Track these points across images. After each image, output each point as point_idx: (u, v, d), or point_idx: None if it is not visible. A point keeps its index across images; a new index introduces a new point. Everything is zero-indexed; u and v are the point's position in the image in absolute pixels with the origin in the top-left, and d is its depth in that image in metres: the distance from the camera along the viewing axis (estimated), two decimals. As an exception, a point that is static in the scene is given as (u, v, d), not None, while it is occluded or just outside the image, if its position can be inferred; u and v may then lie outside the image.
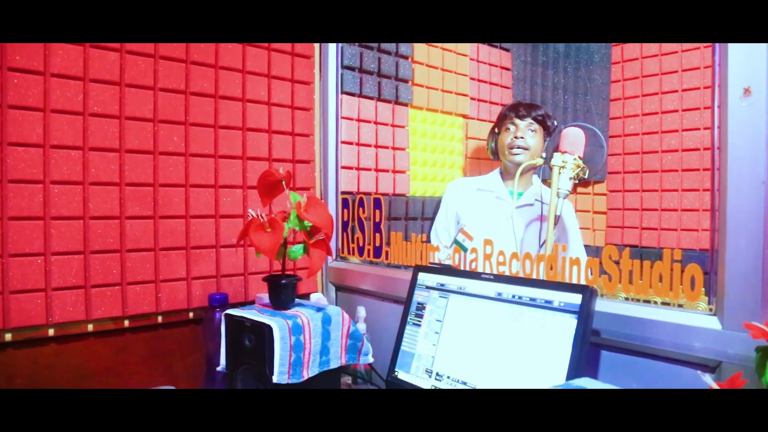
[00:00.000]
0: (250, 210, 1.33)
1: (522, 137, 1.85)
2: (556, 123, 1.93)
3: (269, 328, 1.16)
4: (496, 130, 1.97)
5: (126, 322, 1.42)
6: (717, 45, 1.02)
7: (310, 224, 1.29)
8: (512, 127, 1.89)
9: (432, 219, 2.06)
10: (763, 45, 0.93)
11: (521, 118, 1.87)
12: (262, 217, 1.25)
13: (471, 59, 2.36)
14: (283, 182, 1.31)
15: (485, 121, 2.36)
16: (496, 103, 2.42)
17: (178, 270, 1.50)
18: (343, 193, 1.84)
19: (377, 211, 1.65)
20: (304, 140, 1.78)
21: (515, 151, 1.85)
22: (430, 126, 2.18)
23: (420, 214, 2.07)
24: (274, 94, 1.69)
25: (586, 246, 1.99)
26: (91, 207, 1.36)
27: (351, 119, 1.89)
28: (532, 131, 1.87)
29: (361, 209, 1.71)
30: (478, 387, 1.13)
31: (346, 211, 1.78)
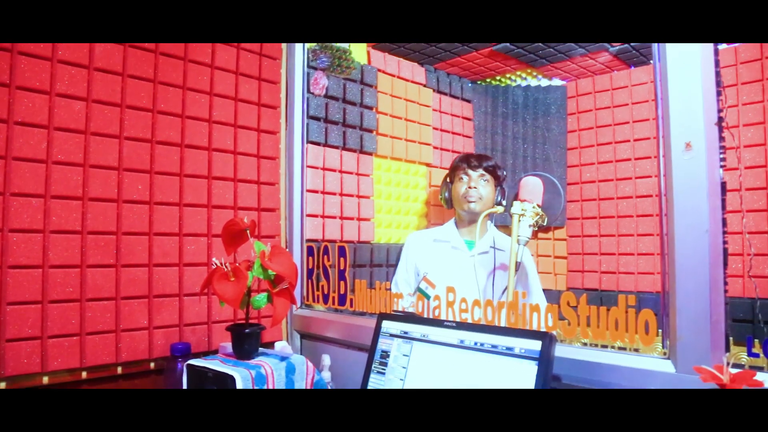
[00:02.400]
0: (214, 259, 1.32)
1: (475, 187, 1.88)
2: (505, 173, 1.98)
3: (232, 379, 1.15)
4: (449, 180, 2.00)
5: (84, 374, 1.38)
6: (659, 98, 1.08)
7: (274, 273, 1.29)
8: (465, 177, 1.92)
9: (396, 266, 2.07)
10: (700, 104, 0.99)
11: (473, 168, 1.91)
12: (226, 266, 1.25)
13: (434, 110, 2.42)
14: (248, 231, 1.32)
15: (448, 169, 2.37)
16: (459, 152, 2.47)
17: (139, 319, 1.47)
18: (308, 240, 1.84)
19: (342, 259, 1.66)
20: (269, 189, 1.79)
21: (471, 199, 1.88)
22: (394, 174, 2.21)
23: (385, 261, 2.08)
24: (240, 143, 1.70)
25: (547, 290, 1.99)
26: (51, 255, 1.33)
27: (316, 168, 1.90)
28: (484, 181, 1.90)
29: (326, 257, 1.71)
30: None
31: (311, 258, 1.78)
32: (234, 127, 1.70)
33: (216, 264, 1.26)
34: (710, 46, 1.02)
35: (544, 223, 1.60)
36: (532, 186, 1.61)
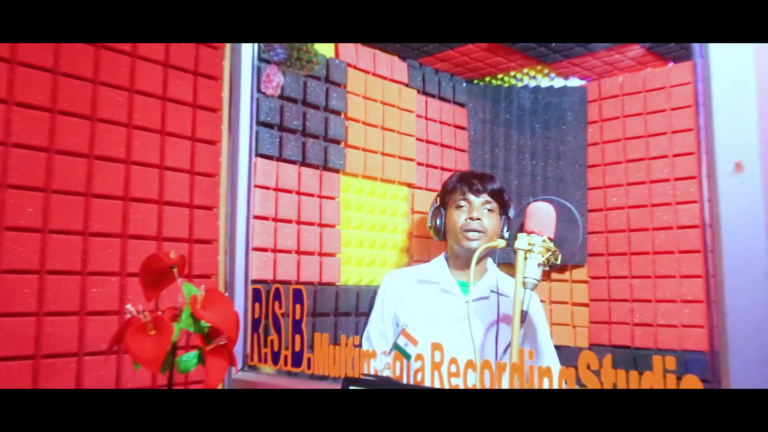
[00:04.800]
0: (128, 305, 1.29)
1: (479, 218, 1.86)
2: (511, 198, 1.98)
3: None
4: (441, 205, 2.00)
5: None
6: (700, 105, 1.09)
7: (208, 325, 1.28)
8: (465, 205, 1.89)
9: (368, 315, 2.06)
10: (754, 114, 1.00)
11: (476, 193, 1.89)
12: (144, 316, 1.23)
13: (418, 116, 2.42)
14: (175, 269, 1.31)
15: (435, 191, 2.30)
16: (449, 169, 2.46)
17: (21, 387, 1.43)
18: (254, 282, 1.83)
19: (298, 306, 1.65)
20: (205, 214, 1.77)
21: (471, 235, 1.87)
22: (367, 197, 2.20)
23: (353, 309, 2.07)
24: (168, 155, 1.70)
25: (562, 348, 2.00)
26: None
27: (267, 188, 1.89)
28: (488, 210, 1.88)
29: (277, 303, 1.71)
30: None
31: (257, 305, 1.78)
32: (161, 135, 1.69)
33: (131, 313, 1.24)
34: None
35: (558, 262, 1.59)
36: (541, 214, 1.61)
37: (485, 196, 1.89)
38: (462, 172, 2.04)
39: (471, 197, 1.89)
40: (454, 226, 1.89)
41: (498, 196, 1.90)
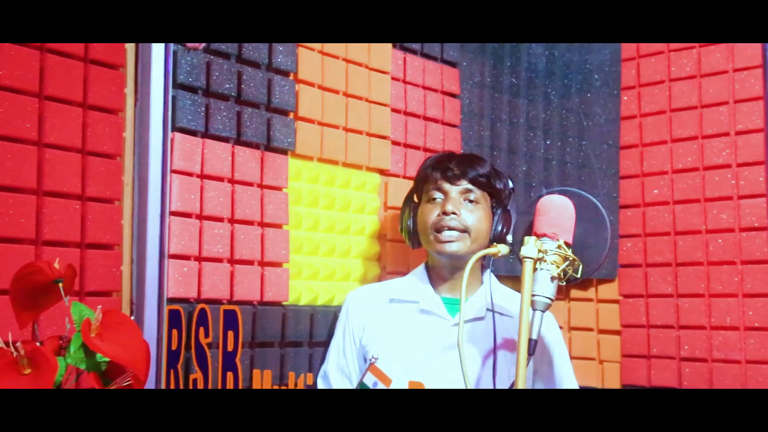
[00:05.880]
0: (-6, 334, 1.30)
1: (454, 212, 1.89)
2: (511, 186, 2.01)
3: None
4: (415, 199, 2.03)
5: None
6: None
7: (107, 360, 1.28)
8: (438, 196, 1.94)
9: (327, 345, 2.08)
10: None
11: (451, 180, 1.93)
12: (16, 348, 1.21)
13: (394, 78, 2.41)
14: (61, 284, 1.30)
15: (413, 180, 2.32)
16: (435, 151, 2.45)
17: None
18: (171, 301, 1.83)
19: (231, 333, 1.69)
20: (103, 209, 1.76)
21: (445, 235, 1.88)
22: (325, 188, 2.19)
23: (306, 337, 2.07)
24: (48, 127, 1.67)
25: (587, 389, 2.01)
26: None
27: (189, 174, 1.88)
28: (471, 202, 1.92)
29: (202, 329, 1.73)
30: None
31: (175, 332, 1.78)
32: (37, 99, 1.66)
33: (-1, 344, 1.23)
34: None
35: (578, 275, 1.61)
36: (556, 211, 1.62)
37: (465, 184, 1.92)
38: (440, 153, 2.08)
39: (446, 186, 1.93)
40: (425, 226, 1.93)
41: (485, 183, 1.93)
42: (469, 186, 1.91)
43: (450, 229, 1.87)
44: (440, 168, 1.94)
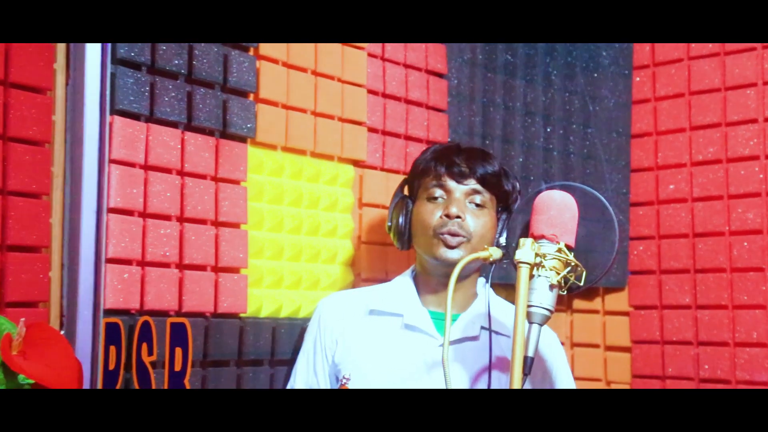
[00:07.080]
0: None
1: (459, 216, 1.85)
2: (518, 187, 1.99)
3: None
4: (410, 195, 1.99)
5: None
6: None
7: (31, 381, 1.32)
8: (440, 194, 1.90)
9: (293, 363, 2.06)
10: None
11: (458, 178, 1.90)
12: None
13: (371, 55, 2.40)
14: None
15: (397, 173, 2.37)
16: (417, 139, 2.47)
17: None
18: (108, 312, 1.80)
19: (179, 350, 1.76)
20: (28, 205, 1.73)
21: (450, 240, 1.85)
22: (290, 181, 2.18)
23: (268, 355, 2.07)
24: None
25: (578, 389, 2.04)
26: None
27: (130, 165, 1.85)
28: (477, 205, 1.89)
29: (145, 345, 1.76)
30: None
31: (113, 349, 1.77)
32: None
33: None
34: None
35: (582, 283, 1.61)
36: (558, 209, 1.60)
37: (473, 183, 1.90)
38: (441, 145, 2.07)
39: (450, 184, 1.91)
40: (424, 228, 1.91)
41: (495, 184, 1.93)
42: (477, 186, 1.90)
43: (453, 234, 1.85)
44: (446, 162, 1.92)
